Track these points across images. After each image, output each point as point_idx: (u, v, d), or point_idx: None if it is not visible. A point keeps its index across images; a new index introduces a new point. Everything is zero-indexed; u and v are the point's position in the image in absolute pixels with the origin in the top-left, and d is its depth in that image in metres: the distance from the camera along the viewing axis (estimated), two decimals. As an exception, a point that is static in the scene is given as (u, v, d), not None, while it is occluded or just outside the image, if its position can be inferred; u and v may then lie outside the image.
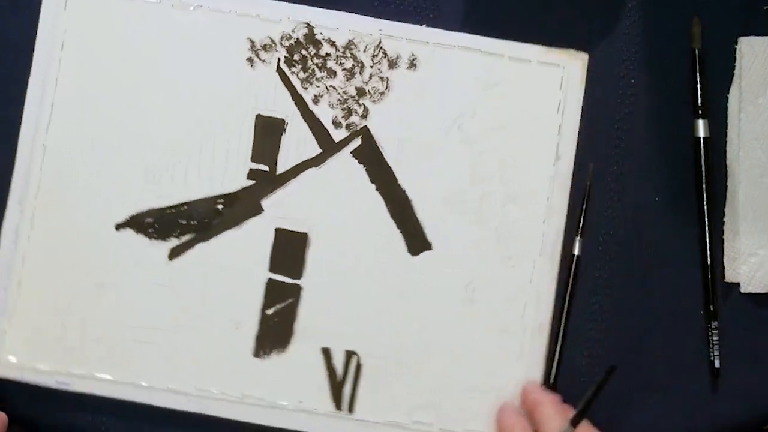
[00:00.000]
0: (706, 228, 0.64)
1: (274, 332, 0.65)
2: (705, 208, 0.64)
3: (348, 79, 0.65)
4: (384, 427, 0.65)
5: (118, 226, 0.65)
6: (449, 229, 0.65)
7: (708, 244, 0.65)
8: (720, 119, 0.65)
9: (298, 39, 0.65)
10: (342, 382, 0.65)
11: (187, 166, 0.65)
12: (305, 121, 0.65)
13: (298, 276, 0.65)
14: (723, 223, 0.65)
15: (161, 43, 0.65)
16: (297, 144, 0.65)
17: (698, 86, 0.65)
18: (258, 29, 0.65)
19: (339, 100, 0.65)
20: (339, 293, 0.65)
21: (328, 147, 0.65)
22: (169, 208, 0.65)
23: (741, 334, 0.65)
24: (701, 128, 0.64)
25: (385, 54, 0.65)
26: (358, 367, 0.65)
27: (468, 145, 0.65)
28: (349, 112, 0.65)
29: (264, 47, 0.65)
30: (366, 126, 0.65)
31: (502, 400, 0.64)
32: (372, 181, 0.65)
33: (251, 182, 0.65)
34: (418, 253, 0.65)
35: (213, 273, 0.65)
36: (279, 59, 0.65)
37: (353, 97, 0.65)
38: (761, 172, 0.64)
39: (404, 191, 0.65)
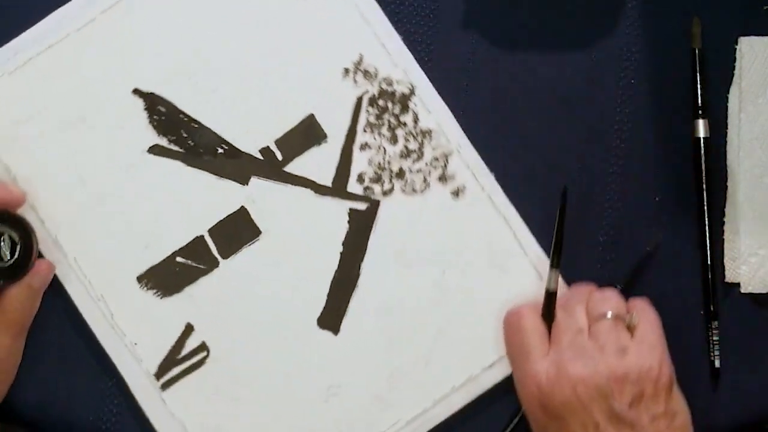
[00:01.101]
0: (706, 228, 0.64)
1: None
2: (705, 208, 0.63)
3: (401, 157, 0.65)
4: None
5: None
6: (363, 335, 0.64)
7: (708, 245, 0.64)
8: (720, 119, 0.65)
9: (394, 91, 0.64)
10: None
11: (231, 105, 0.65)
12: (341, 154, 0.65)
13: (214, 262, 0.65)
14: (723, 223, 0.64)
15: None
16: (318, 163, 0.65)
17: (698, 86, 0.64)
18: (374, 54, 0.64)
19: (379, 164, 0.65)
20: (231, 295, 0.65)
21: (337, 189, 0.65)
22: (188, 117, 0.65)
23: (741, 334, 0.64)
24: (701, 128, 0.64)
25: (446, 166, 0.64)
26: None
27: (439, 293, 0.64)
28: (377, 180, 0.65)
29: (365, 72, 0.64)
30: (379, 202, 0.65)
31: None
32: (343, 245, 0.65)
33: (259, 156, 0.65)
34: (323, 328, 0.65)
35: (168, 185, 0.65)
36: (367, 92, 0.64)
37: (392, 172, 0.65)
38: (761, 172, 0.64)
39: (359, 276, 0.64)
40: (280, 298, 0.65)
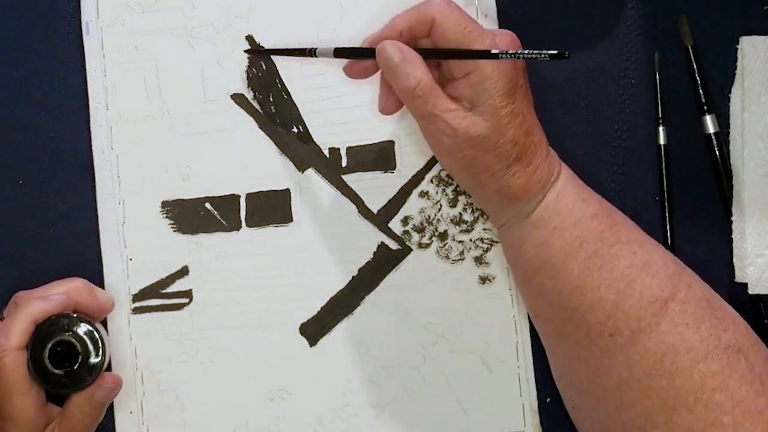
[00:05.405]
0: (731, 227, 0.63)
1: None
2: (729, 204, 0.63)
3: (452, 221, 0.64)
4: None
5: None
6: (334, 359, 0.64)
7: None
8: (722, 119, 0.64)
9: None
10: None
11: (327, 95, 0.65)
12: (399, 190, 0.64)
13: (237, 225, 0.65)
14: (731, 222, 0.63)
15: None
16: (375, 187, 0.65)
17: (698, 82, 0.63)
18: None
19: (429, 218, 0.64)
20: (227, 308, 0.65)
21: (380, 219, 0.64)
22: (282, 84, 0.65)
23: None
24: (710, 124, 0.63)
25: (487, 251, 0.64)
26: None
27: (420, 359, 0.64)
28: (419, 230, 0.64)
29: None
30: (411, 250, 0.64)
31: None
32: (359, 271, 0.64)
33: (326, 154, 0.65)
34: (302, 335, 0.65)
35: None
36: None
37: (437, 230, 0.64)
38: (766, 172, 0.63)
39: (358, 305, 0.64)
40: (278, 288, 0.65)
